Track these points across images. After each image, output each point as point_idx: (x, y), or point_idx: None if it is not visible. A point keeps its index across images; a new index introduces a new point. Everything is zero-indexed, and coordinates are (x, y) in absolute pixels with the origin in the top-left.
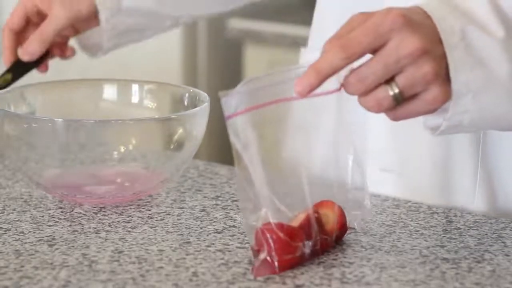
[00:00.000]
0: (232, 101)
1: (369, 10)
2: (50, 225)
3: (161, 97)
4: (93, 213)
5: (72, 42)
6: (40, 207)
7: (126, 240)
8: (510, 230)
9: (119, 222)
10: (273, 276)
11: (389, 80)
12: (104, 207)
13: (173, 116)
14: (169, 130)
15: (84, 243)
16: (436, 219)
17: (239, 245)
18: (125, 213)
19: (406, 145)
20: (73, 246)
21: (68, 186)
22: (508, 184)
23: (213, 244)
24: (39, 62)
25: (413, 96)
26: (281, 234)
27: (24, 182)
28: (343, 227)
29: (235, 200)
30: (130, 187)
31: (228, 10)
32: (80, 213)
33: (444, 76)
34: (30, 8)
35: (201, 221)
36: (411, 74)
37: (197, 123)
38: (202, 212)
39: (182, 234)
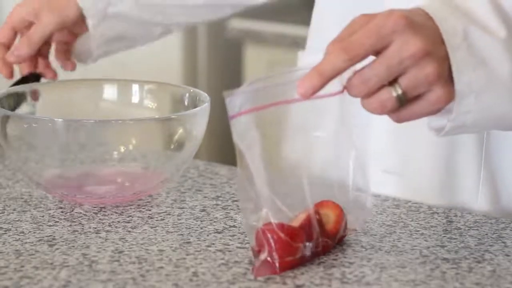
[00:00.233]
0: (236, 101)
1: (370, 12)
2: (50, 225)
3: (161, 97)
4: (93, 213)
5: None
6: (40, 207)
7: (126, 240)
8: (511, 230)
9: (119, 222)
10: (273, 276)
11: (392, 82)
12: (104, 207)
13: (173, 116)
14: (169, 130)
15: (84, 243)
16: (437, 219)
17: (239, 245)
18: (125, 213)
19: (409, 146)
20: (73, 246)
21: (68, 186)
22: (511, 184)
23: (213, 244)
24: (39, 78)
25: (417, 98)
26: (282, 235)
27: (24, 182)
28: (343, 227)
29: (236, 200)
30: (130, 187)
31: (216, 19)
32: (80, 213)
33: (446, 77)
34: (17, 21)
35: (201, 221)
36: (414, 75)
37: (197, 123)
38: (202, 212)
39: (182, 234)
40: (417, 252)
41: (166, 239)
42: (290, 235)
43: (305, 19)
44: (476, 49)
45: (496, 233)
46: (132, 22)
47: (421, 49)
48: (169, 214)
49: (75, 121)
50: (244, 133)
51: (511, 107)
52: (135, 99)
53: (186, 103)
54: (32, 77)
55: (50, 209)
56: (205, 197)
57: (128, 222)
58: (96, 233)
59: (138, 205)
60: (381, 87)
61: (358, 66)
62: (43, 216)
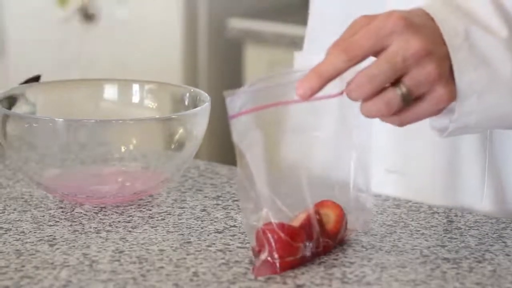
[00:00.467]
0: (236, 101)
1: (371, 13)
2: (50, 225)
3: (161, 97)
4: (94, 213)
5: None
6: (41, 207)
7: (127, 240)
8: (511, 230)
9: (119, 222)
10: (274, 276)
11: (395, 82)
12: (104, 207)
13: (173, 116)
14: (170, 130)
15: (84, 243)
16: (437, 219)
17: (239, 245)
18: (126, 213)
19: (411, 146)
20: (73, 246)
21: (68, 186)
22: None
23: (213, 244)
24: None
25: (419, 99)
26: (282, 234)
27: (25, 182)
28: (343, 227)
29: (236, 200)
30: (130, 187)
31: None
32: (81, 213)
33: (448, 76)
34: None
35: (202, 221)
36: (416, 74)
37: (198, 123)
38: (203, 212)
39: (182, 234)
40: (417, 252)
41: (166, 239)
42: (290, 235)
43: (305, 19)
44: (478, 49)
45: (497, 233)
46: None
47: (422, 48)
48: (170, 214)
49: (75, 121)
50: (244, 133)
51: None
52: (135, 99)
53: (186, 103)
54: (33, 78)
55: (50, 209)
56: (205, 197)
57: (129, 222)
58: (97, 233)
59: (139, 205)
60: (384, 88)
61: (359, 68)
62: (43, 216)
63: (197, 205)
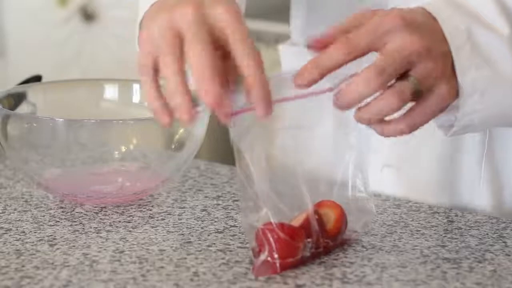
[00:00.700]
0: (237, 99)
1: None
2: (51, 225)
3: None
4: (94, 213)
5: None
6: (41, 207)
7: (127, 240)
8: (511, 230)
9: (120, 222)
10: (274, 276)
11: (402, 77)
12: (105, 207)
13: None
14: (170, 130)
15: (85, 243)
16: (437, 219)
17: (240, 245)
18: (126, 213)
19: (409, 143)
20: (74, 246)
21: (69, 186)
22: None
23: (214, 244)
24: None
25: (425, 95)
26: (282, 234)
27: (25, 182)
28: (344, 227)
29: (236, 200)
30: (131, 187)
31: None
32: (81, 213)
33: (450, 73)
34: None
35: (202, 221)
36: (421, 69)
37: (198, 123)
38: (203, 212)
39: (183, 234)
40: (418, 252)
41: (167, 239)
42: (290, 235)
43: None
44: (480, 48)
45: (497, 233)
46: None
47: (419, 46)
48: (170, 214)
49: (75, 121)
50: (244, 132)
51: None
52: (135, 98)
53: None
54: (33, 78)
55: (51, 209)
56: (206, 196)
57: (129, 222)
58: (97, 233)
59: (139, 205)
60: (390, 85)
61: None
62: (43, 216)
63: (197, 205)
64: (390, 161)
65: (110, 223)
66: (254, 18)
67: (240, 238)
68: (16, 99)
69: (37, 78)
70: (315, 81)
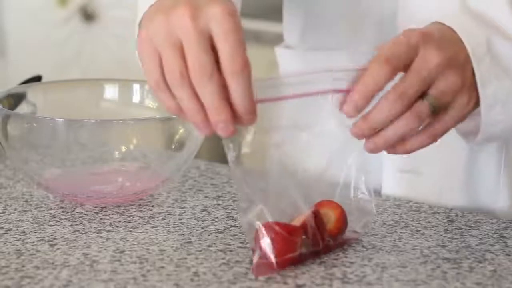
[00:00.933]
0: None
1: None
2: (51, 225)
3: None
4: (94, 213)
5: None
6: (41, 207)
7: (127, 240)
8: (511, 230)
9: (120, 222)
10: (273, 275)
11: (421, 96)
12: (105, 207)
13: (174, 116)
14: (170, 130)
15: (85, 242)
16: (437, 219)
17: (240, 245)
18: (126, 213)
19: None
20: (74, 246)
21: (69, 186)
22: None
23: (214, 244)
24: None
25: (445, 108)
26: (278, 229)
27: (25, 182)
28: (344, 227)
29: (236, 200)
30: (131, 187)
31: None
32: (81, 213)
33: (470, 83)
34: None
35: (202, 221)
36: (441, 84)
37: None
38: (203, 212)
39: (183, 234)
40: (418, 251)
41: (167, 239)
42: (287, 230)
43: None
44: (500, 58)
45: (497, 233)
46: None
47: (441, 60)
48: (170, 214)
49: (76, 121)
50: (240, 131)
51: None
52: (135, 98)
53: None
54: (33, 78)
55: (51, 209)
56: (206, 196)
57: (129, 222)
58: (97, 233)
59: (139, 205)
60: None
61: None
62: (44, 216)
63: (197, 205)
64: (406, 166)
65: (110, 223)
66: (254, 18)
67: (240, 238)
68: (16, 99)
69: (37, 78)
70: (362, 108)
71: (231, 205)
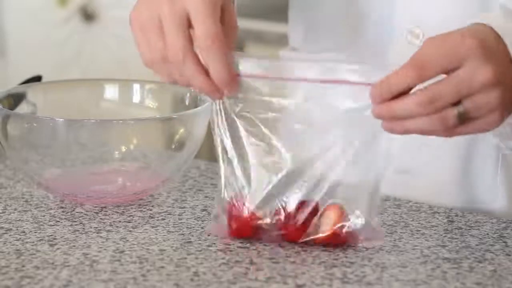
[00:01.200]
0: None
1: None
2: (51, 225)
3: (162, 97)
4: (94, 212)
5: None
6: (41, 206)
7: (127, 240)
8: (511, 230)
9: (120, 221)
10: (273, 275)
11: (456, 103)
12: (105, 207)
13: (174, 116)
14: (170, 130)
15: (85, 242)
16: (437, 218)
17: (240, 245)
18: (126, 213)
19: (423, 146)
20: (74, 246)
21: (69, 186)
22: None
23: (214, 243)
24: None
25: (473, 118)
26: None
27: (25, 181)
28: (342, 226)
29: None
30: (131, 187)
31: None
32: (81, 212)
33: (508, 104)
34: None
35: (202, 221)
36: (478, 100)
37: (198, 123)
38: (203, 212)
39: (183, 234)
40: (418, 251)
41: (167, 238)
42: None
43: None
44: None
45: (497, 233)
46: None
47: (491, 78)
48: (170, 214)
49: (76, 121)
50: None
51: None
52: (136, 98)
53: (187, 103)
54: (33, 78)
55: (51, 209)
56: (206, 196)
57: (129, 222)
58: (97, 232)
59: (139, 204)
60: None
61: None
62: (44, 216)
63: (197, 205)
64: (403, 166)
65: (110, 223)
66: (254, 18)
67: (240, 238)
68: (16, 99)
69: (37, 78)
70: (385, 101)
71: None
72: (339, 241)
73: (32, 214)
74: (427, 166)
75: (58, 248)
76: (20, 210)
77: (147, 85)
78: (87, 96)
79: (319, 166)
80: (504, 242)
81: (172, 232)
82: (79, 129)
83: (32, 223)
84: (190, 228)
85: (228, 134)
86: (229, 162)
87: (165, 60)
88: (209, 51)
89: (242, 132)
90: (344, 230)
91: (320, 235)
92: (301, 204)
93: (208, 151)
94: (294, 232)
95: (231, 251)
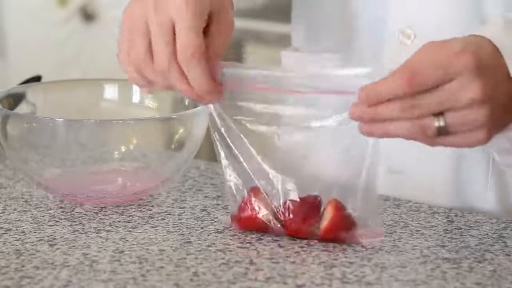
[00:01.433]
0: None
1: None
2: (51, 225)
3: (161, 97)
4: (94, 213)
5: None
6: (41, 207)
7: (127, 240)
8: (511, 230)
9: (120, 222)
10: (273, 275)
11: (438, 113)
12: (105, 207)
13: (174, 116)
14: (170, 130)
15: (85, 243)
16: (437, 219)
17: (240, 245)
18: (126, 213)
19: (416, 146)
20: (74, 246)
21: (69, 186)
22: None
23: (213, 244)
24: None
25: (455, 132)
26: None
27: (25, 182)
28: (339, 225)
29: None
30: (131, 187)
31: None
32: (81, 213)
33: (496, 118)
34: None
35: (202, 221)
36: (463, 116)
37: (198, 123)
38: (203, 212)
39: (183, 234)
40: (417, 251)
41: (166, 239)
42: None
43: None
44: None
45: (497, 233)
46: None
47: (479, 95)
48: (170, 214)
49: (75, 121)
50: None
51: None
52: (135, 99)
53: (186, 103)
54: (33, 78)
55: (50, 209)
56: (205, 196)
57: (129, 222)
58: (97, 233)
59: (139, 205)
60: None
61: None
62: (43, 216)
63: (197, 205)
64: (395, 166)
65: (110, 223)
66: (254, 18)
67: (239, 238)
68: (16, 99)
69: (37, 78)
70: (369, 105)
71: (229, 205)
72: (339, 231)
73: (32, 214)
74: (420, 166)
75: (57, 248)
76: (19, 210)
77: None
78: (87, 96)
79: (311, 165)
80: (503, 242)
81: (172, 232)
82: (79, 129)
83: (31, 223)
84: (190, 228)
85: (226, 135)
86: (232, 157)
87: (144, 63)
88: (188, 63)
89: (239, 134)
90: (343, 215)
91: (323, 225)
92: (303, 200)
93: (208, 151)
94: (297, 227)
95: (230, 251)
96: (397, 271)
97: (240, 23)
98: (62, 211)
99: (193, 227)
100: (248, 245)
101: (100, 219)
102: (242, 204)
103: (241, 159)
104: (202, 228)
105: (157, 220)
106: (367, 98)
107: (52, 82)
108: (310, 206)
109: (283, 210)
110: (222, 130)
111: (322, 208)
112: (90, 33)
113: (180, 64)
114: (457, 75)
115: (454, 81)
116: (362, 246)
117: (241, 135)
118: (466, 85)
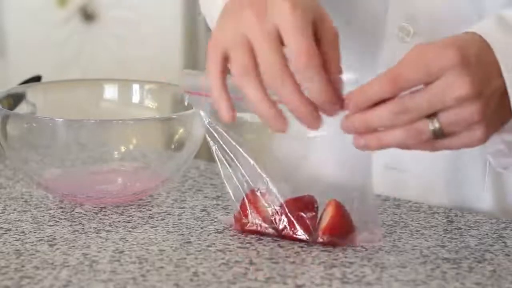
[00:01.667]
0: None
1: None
2: (50, 225)
3: (161, 97)
4: (94, 213)
5: None
6: (41, 207)
7: (127, 240)
8: (511, 230)
9: (119, 222)
10: (273, 276)
11: (431, 115)
12: (104, 207)
13: (174, 116)
14: (170, 130)
15: (84, 243)
16: (437, 219)
17: (239, 245)
18: (126, 213)
19: None
20: (73, 246)
21: (68, 186)
22: None
23: (213, 244)
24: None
25: (453, 133)
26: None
27: (25, 182)
28: (339, 225)
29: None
30: (130, 187)
31: None
32: (81, 213)
33: (491, 116)
34: None
35: (202, 221)
36: (455, 114)
37: (198, 123)
38: (203, 212)
39: (182, 234)
40: (417, 252)
41: (166, 239)
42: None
43: None
44: None
45: (497, 233)
46: None
47: (468, 92)
48: (170, 214)
49: (75, 121)
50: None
51: None
52: (135, 99)
53: (186, 103)
54: (33, 78)
55: (50, 209)
56: (205, 197)
57: (129, 222)
58: (97, 233)
59: (139, 205)
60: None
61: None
62: (43, 216)
63: (197, 205)
64: (392, 163)
65: (109, 223)
66: None
67: (239, 238)
68: (16, 99)
69: (37, 78)
70: (359, 109)
71: (230, 205)
72: (339, 231)
73: (32, 214)
74: (416, 164)
75: (57, 248)
76: (19, 210)
77: (146, 85)
78: (87, 96)
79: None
80: (503, 242)
81: (172, 232)
82: (79, 129)
83: (31, 223)
84: (190, 228)
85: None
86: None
87: (249, 75)
88: (305, 72)
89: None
90: (344, 215)
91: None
92: (300, 201)
93: (208, 151)
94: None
95: (230, 251)
96: (397, 271)
97: None
98: (62, 211)
99: (193, 227)
100: (248, 245)
101: (100, 219)
102: (240, 210)
103: (238, 165)
104: (202, 228)
105: (157, 220)
106: (356, 104)
107: (52, 82)
108: (304, 207)
109: (279, 215)
110: (217, 136)
111: (321, 208)
112: (90, 33)
113: (295, 74)
114: (444, 71)
115: (440, 80)
116: (362, 246)
117: (235, 144)
118: (452, 82)
